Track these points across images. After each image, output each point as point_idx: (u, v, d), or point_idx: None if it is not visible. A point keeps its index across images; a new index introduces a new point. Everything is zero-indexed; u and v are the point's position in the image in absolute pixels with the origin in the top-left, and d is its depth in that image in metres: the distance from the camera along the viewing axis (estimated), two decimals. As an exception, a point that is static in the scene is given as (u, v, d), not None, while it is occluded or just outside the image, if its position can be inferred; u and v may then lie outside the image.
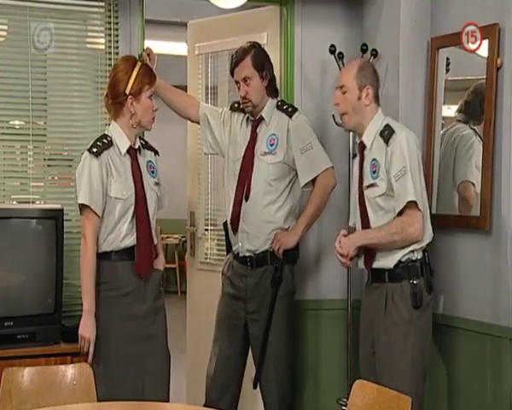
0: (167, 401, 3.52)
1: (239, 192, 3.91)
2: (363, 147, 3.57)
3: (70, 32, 4.27)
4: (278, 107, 3.94)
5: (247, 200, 3.88)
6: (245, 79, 3.85)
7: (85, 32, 4.33)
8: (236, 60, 3.87)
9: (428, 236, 3.52)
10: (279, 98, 4.01)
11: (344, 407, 4.17)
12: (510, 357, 3.53)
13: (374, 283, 3.56)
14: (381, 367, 3.47)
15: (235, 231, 3.92)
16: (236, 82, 3.90)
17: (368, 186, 3.51)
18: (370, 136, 3.52)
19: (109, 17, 4.23)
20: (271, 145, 3.88)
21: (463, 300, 3.80)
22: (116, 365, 3.40)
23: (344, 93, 3.54)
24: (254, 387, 3.94)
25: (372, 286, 3.57)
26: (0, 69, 4.12)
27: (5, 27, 4.23)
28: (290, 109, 3.94)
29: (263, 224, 3.88)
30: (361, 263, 3.63)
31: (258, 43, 3.97)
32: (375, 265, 3.52)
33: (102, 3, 4.22)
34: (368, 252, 3.55)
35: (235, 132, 4.01)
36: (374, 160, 3.50)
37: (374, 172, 3.49)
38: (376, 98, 3.57)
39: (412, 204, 3.39)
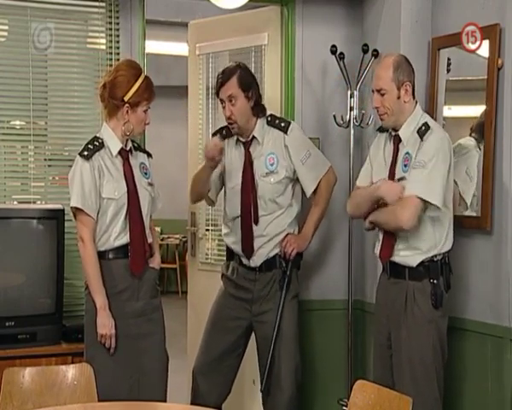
0: (164, 400, 3.52)
1: (246, 218, 3.87)
2: (398, 140, 3.53)
3: (70, 32, 4.28)
4: (269, 123, 3.90)
5: (256, 223, 3.87)
6: (230, 98, 3.79)
7: (86, 33, 4.33)
8: (222, 80, 3.83)
9: (450, 243, 3.51)
10: (268, 113, 3.93)
11: (344, 408, 4.17)
12: (511, 357, 3.53)
13: (392, 278, 3.54)
14: (401, 365, 3.46)
15: (250, 256, 3.91)
16: (222, 101, 3.85)
17: (399, 179, 3.49)
18: (408, 131, 3.49)
19: (110, 17, 4.23)
20: (271, 165, 3.87)
21: (464, 300, 3.80)
22: (111, 362, 3.41)
23: (383, 95, 3.49)
24: (262, 390, 3.90)
25: (390, 281, 3.55)
26: (1, 69, 4.12)
27: (6, 27, 4.23)
28: (283, 124, 3.90)
29: (273, 236, 3.89)
30: (377, 250, 3.60)
31: (244, 64, 3.94)
32: (397, 259, 3.50)
33: (103, 4, 4.22)
34: (386, 241, 3.53)
35: (229, 159, 3.96)
36: (407, 153, 3.48)
37: (405, 165, 3.46)
38: (413, 92, 3.53)
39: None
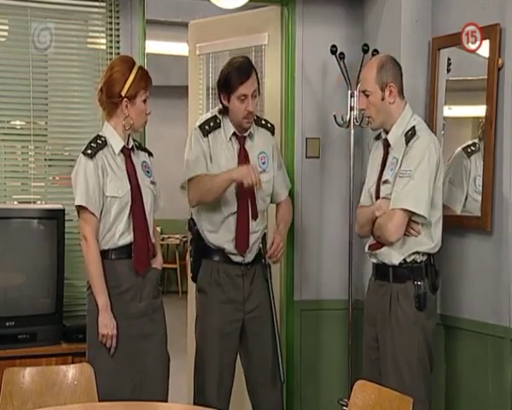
0: (166, 400, 3.52)
1: (243, 214, 3.77)
2: (388, 144, 3.52)
3: (71, 32, 4.28)
4: (256, 122, 3.85)
5: (255, 219, 3.80)
6: (254, 94, 3.70)
7: (86, 33, 4.34)
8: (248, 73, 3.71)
9: (438, 244, 3.48)
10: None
11: (345, 408, 4.17)
12: (511, 357, 3.53)
13: (378, 280, 3.55)
14: (387, 367, 3.46)
15: (244, 252, 3.81)
16: (245, 96, 3.69)
17: (384, 182, 3.49)
18: (396, 135, 3.47)
19: (110, 17, 4.23)
20: (263, 163, 3.84)
21: (464, 300, 3.80)
22: (113, 362, 3.41)
23: (367, 96, 3.48)
24: (283, 380, 3.86)
25: (376, 283, 3.56)
26: (1, 69, 4.13)
27: (6, 27, 4.23)
28: (270, 125, 3.92)
29: (262, 230, 3.87)
30: (367, 247, 3.60)
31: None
32: (380, 258, 3.50)
33: (103, 3, 4.22)
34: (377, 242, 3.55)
35: (217, 155, 3.79)
36: (394, 157, 3.46)
37: (391, 169, 3.46)
38: (401, 93, 3.50)
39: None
